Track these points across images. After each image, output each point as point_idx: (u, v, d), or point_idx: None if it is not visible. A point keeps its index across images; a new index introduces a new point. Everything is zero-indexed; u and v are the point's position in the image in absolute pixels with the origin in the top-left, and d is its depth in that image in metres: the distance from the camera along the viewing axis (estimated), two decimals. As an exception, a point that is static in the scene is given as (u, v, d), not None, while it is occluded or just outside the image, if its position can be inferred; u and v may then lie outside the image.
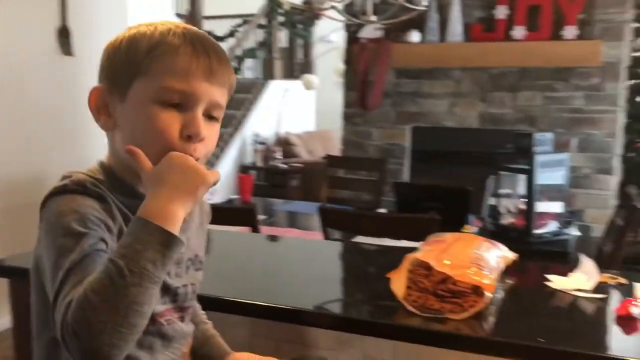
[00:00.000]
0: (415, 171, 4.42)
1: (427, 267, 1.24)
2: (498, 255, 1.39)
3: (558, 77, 4.12)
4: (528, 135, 3.00)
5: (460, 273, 1.19)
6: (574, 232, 3.04)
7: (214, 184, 0.82)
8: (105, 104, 0.87)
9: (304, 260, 1.69)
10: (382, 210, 3.43)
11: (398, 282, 1.23)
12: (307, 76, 6.05)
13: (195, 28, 0.89)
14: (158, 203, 0.77)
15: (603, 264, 1.46)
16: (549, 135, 3.03)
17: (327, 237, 2.17)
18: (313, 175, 5.66)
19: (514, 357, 1.09)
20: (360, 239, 2.39)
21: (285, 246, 1.90)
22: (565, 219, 2.98)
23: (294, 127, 6.31)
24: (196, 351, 1.06)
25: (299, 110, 6.49)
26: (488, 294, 1.18)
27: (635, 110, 4.82)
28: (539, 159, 2.88)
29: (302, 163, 5.86)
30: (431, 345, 1.16)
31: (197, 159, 0.84)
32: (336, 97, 5.05)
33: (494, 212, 3.03)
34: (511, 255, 1.45)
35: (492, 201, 3.10)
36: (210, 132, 0.86)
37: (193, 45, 0.84)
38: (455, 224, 2.67)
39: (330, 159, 4.20)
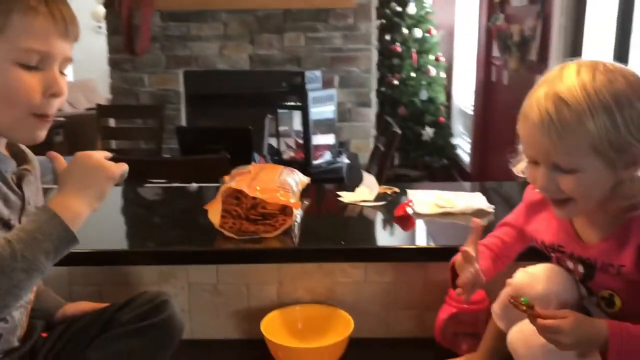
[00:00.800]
0: (192, 116, 4.44)
1: (237, 196, 1.35)
2: (297, 179, 1.55)
3: (318, 18, 4.42)
4: (299, 74, 3.22)
5: (270, 196, 1.32)
6: (344, 160, 3.39)
7: (122, 176, 0.89)
8: None
9: (115, 207, 1.68)
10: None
11: (214, 213, 1.32)
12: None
13: None
14: (67, 200, 0.83)
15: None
16: (317, 73, 3.30)
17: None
18: (79, 128, 5.33)
19: (323, 260, 1.27)
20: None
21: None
22: (337, 150, 3.32)
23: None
24: (33, 306, 1.04)
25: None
26: (295, 212, 1.34)
27: (385, 48, 5.40)
28: (311, 95, 3.14)
29: (64, 117, 5.46)
30: (251, 262, 1.28)
31: (53, 114, 0.88)
32: (96, 44, 4.77)
33: (275, 148, 3.24)
34: (306, 179, 1.63)
35: (272, 139, 3.31)
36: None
37: (47, 4, 0.84)
38: (241, 163, 2.81)
39: (101, 109, 4.00)
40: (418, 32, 5.51)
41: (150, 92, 4.44)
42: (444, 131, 5.72)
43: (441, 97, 5.65)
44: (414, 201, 1.48)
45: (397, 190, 1.63)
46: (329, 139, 3.31)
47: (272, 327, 1.22)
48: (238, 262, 1.28)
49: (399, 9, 5.49)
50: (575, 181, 0.90)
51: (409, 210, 1.43)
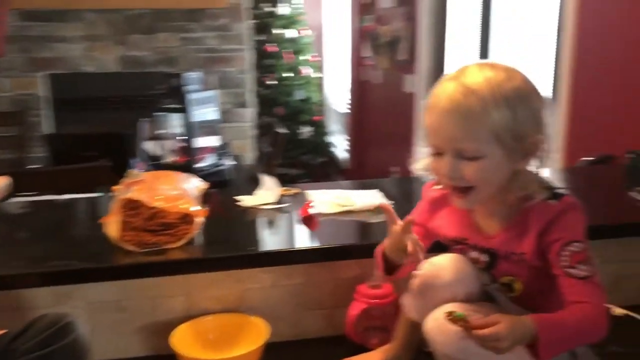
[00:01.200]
0: (60, 122, 4.16)
1: (133, 206, 1.29)
2: (195, 185, 1.51)
3: (192, 18, 4.32)
4: (177, 76, 3.14)
5: (172, 205, 1.27)
6: (229, 162, 3.35)
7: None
8: None
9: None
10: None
11: (112, 225, 1.25)
12: None
13: None
14: None
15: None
16: (197, 75, 3.23)
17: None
18: None
19: (232, 267, 1.25)
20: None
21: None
22: (221, 151, 3.27)
23: None
24: None
25: None
26: (198, 220, 1.30)
27: (260, 49, 5.39)
28: (191, 97, 3.07)
29: None
30: (157, 275, 1.22)
31: None
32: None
33: (154, 152, 3.13)
34: (203, 185, 1.59)
35: (149, 143, 3.19)
36: None
37: None
38: (119, 170, 2.69)
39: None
40: (291, 33, 5.57)
41: (9, 97, 4.10)
42: (321, 130, 5.83)
43: (316, 97, 5.75)
44: (315, 201, 1.49)
45: (297, 191, 1.64)
46: (212, 141, 3.26)
47: (183, 341, 1.18)
48: (142, 276, 1.23)
49: (270, 9, 5.51)
50: (478, 168, 0.96)
51: (312, 211, 1.44)
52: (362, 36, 5.01)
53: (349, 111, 5.57)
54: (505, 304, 1.02)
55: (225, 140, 4.18)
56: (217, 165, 3.17)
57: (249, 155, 4.39)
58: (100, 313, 1.23)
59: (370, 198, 1.52)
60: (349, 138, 5.66)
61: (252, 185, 1.63)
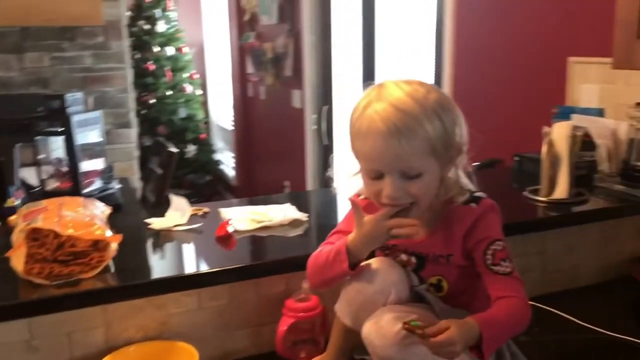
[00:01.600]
0: None
1: (39, 236, 1.20)
2: (101, 210, 1.43)
3: (64, 37, 4.10)
4: (58, 97, 2.95)
5: (86, 232, 1.20)
6: (116, 185, 3.19)
7: None
8: None
9: None
10: None
11: (18, 259, 1.16)
12: None
13: None
14: None
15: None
16: (79, 95, 3.05)
17: None
18: None
19: (153, 293, 1.19)
20: None
21: None
22: (106, 175, 3.11)
23: None
24: None
25: None
26: (112, 246, 1.23)
27: (138, 67, 5.22)
28: (74, 119, 2.89)
29: None
30: (70, 309, 1.14)
31: None
32: None
33: (34, 179, 2.92)
34: (108, 209, 1.51)
35: (27, 169, 2.97)
36: None
37: None
38: (-6, 198, 2.48)
39: None
40: (170, 50, 5.46)
41: None
42: (206, 148, 5.75)
43: (200, 114, 5.67)
44: (232, 219, 1.47)
45: (207, 210, 1.60)
46: (97, 164, 3.10)
47: (107, 375, 1.11)
48: (54, 310, 1.13)
49: (147, 26, 5.37)
50: (421, 184, 1.00)
51: (230, 229, 1.42)
52: (245, 53, 5.01)
53: (234, 128, 5.54)
54: (435, 303, 1.06)
55: (108, 163, 3.99)
56: (105, 190, 3.01)
57: (135, 178, 4.22)
58: (6, 356, 1.12)
59: (286, 212, 1.52)
60: (235, 155, 5.62)
61: (146, 208, 1.59)
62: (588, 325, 1.35)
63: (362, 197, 1.13)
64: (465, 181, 1.08)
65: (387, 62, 3.15)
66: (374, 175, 1.01)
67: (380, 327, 1.00)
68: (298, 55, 4.02)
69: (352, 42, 3.46)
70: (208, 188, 5.68)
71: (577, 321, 1.37)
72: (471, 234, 1.05)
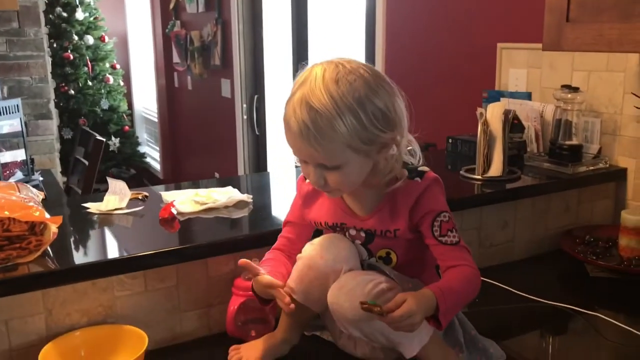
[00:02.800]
0: None
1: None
2: (34, 194, 1.36)
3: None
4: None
5: (24, 214, 1.14)
6: (39, 177, 3.05)
7: None
8: None
9: None
10: None
11: (-52, 243, 1.08)
12: None
13: None
14: None
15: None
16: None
17: None
18: None
19: (93, 277, 1.15)
20: None
21: None
22: (30, 167, 2.96)
23: None
24: None
25: None
26: (53, 228, 1.18)
27: (56, 56, 4.99)
28: (-9, 107, 2.74)
29: None
30: (6, 294, 1.08)
31: None
32: None
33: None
34: (42, 195, 1.44)
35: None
36: None
37: None
38: None
39: None
40: (90, 39, 5.25)
41: None
42: (130, 140, 5.58)
43: (123, 106, 5.49)
44: (175, 202, 1.43)
45: (146, 194, 1.56)
46: (17, 155, 2.95)
47: (51, 362, 1.06)
48: (-8, 297, 1.07)
49: (65, 14, 5.14)
50: (340, 175, 1.02)
51: (174, 211, 1.39)
52: (169, 42, 4.89)
53: (160, 119, 5.40)
54: (390, 271, 1.08)
55: (29, 155, 3.81)
56: (27, 182, 2.87)
57: (57, 171, 4.04)
58: (-59, 347, 1.05)
59: (230, 194, 1.50)
60: (161, 147, 5.49)
61: (72, 199, 1.53)
62: (525, 295, 1.42)
63: (307, 181, 1.14)
64: (408, 158, 1.10)
65: (319, 47, 3.16)
66: (300, 160, 1.05)
67: (348, 290, 1.02)
68: (227, 43, 3.97)
69: (284, 29, 3.45)
70: (133, 182, 5.51)
71: (515, 291, 1.44)
72: (417, 207, 1.07)
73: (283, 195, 1.68)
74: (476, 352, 1.15)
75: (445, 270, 1.06)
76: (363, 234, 1.13)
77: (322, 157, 0.99)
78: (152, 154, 5.82)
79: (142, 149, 5.85)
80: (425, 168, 1.11)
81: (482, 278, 1.46)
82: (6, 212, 1.12)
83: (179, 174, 5.18)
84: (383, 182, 1.08)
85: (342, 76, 0.97)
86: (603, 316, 1.31)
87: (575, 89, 1.73)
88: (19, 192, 1.29)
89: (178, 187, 1.64)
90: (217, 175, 4.33)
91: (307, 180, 1.13)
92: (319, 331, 1.27)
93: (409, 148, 1.10)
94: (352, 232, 1.14)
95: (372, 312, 0.94)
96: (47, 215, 1.18)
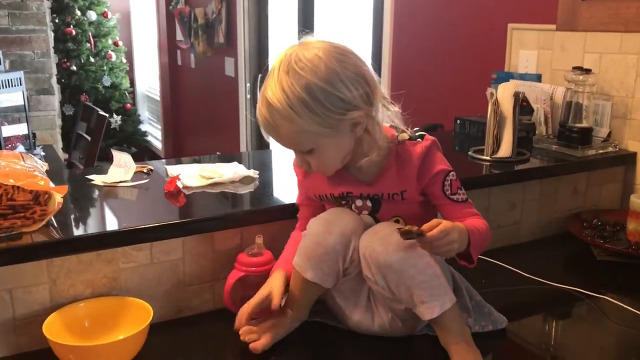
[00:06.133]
0: None
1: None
2: (38, 164, 1.34)
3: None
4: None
5: (28, 182, 1.12)
6: (41, 152, 3.03)
7: None
8: None
9: None
10: None
11: (-48, 210, 1.07)
12: None
13: None
14: None
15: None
16: (-3, 54, 2.86)
17: None
18: None
19: (98, 248, 1.13)
20: None
21: None
22: (32, 141, 2.94)
23: None
24: None
25: None
26: (58, 198, 1.16)
27: (58, 31, 4.93)
28: (-7, 79, 2.71)
29: None
30: (11, 263, 1.07)
31: None
32: None
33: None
34: (46, 165, 1.42)
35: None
36: None
37: None
38: None
39: None
40: (92, 15, 5.20)
41: None
42: (132, 118, 5.55)
43: (125, 83, 5.46)
44: (181, 175, 1.42)
45: (151, 168, 1.54)
46: (19, 129, 2.92)
47: (56, 331, 1.05)
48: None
49: (68, -12, 5.08)
50: (318, 158, 1.05)
51: (180, 185, 1.37)
52: (173, 19, 4.85)
53: (162, 98, 5.37)
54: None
55: (30, 130, 3.78)
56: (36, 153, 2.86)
57: (58, 147, 4.02)
58: (-56, 314, 1.04)
59: (237, 169, 1.49)
60: (163, 126, 5.46)
61: (73, 176, 1.52)
62: (531, 276, 1.41)
63: None
64: (399, 121, 1.11)
65: (326, 28, 3.13)
66: None
67: (383, 236, 1.03)
68: (231, 21, 3.93)
69: (289, 7, 3.41)
70: (135, 159, 5.50)
71: (521, 272, 1.43)
72: (424, 168, 1.09)
73: (287, 173, 1.67)
74: (481, 317, 1.17)
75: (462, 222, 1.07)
76: (369, 203, 1.12)
77: (292, 145, 1.03)
78: (154, 133, 5.80)
79: (144, 127, 5.83)
80: (420, 132, 1.13)
81: (488, 259, 1.47)
82: (11, 180, 1.11)
83: (180, 152, 5.16)
84: (383, 147, 1.08)
85: (293, 67, 0.98)
86: (609, 299, 1.31)
87: (587, 71, 1.70)
88: (24, 161, 1.27)
89: (180, 162, 1.63)
90: (218, 154, 4.32)
91: None
92: (319, 317, 1.24)
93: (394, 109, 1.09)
94: (359, 202, 1.13)
95: (412, 233, 0.94)
96: (52, 185, 1.17)
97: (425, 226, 0.96)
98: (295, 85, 0.97)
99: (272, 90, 0.98)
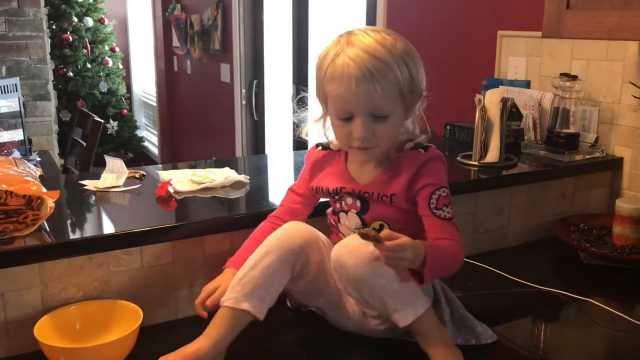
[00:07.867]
0: None
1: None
2: (32, 169, 1.36)
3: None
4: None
5: (21, 187, 1.14)
6: (36, 158, 3.05)
7: None
8: None
9: None
10: None
11: (-55, 215, 1.08)
12: None
13: None
14: None
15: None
16: (-6, 60, 2.88)
17: None
18: None
19: (89, 252, 1.15)
20: None
21: None
22: (28, 147, 2.95)
23: None
24: None
25: None
26: (50, 203, 1.18)
27: (55, 37, 4.96)
28: (-11, 85, 2.73)
29: None
30: (4, 267, 1.09)
31: None
32: None
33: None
34: (39, 171, 1.44)
35: None
36: None
37: None
38: None
39: None
40: (89, 22, 5.23)
41: None
42: (129, 124, 5.57)
43: (122, 89, 5.48)
44: (173, 180, 1.44)
45: (144, 173, 1.56)
46: (16, 134, 2.94)
47: (47, 334, 1.07)
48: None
49: (65, -5, 5.11)
50: (388, 125, 1.06)
51: (171, 190, 1.39)
52: (169, 26, 4.87)
53: (158, 104, 5.39)
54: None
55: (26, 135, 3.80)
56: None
57: (54, 152, 4.04)
58: (-63, 317, 1.06)
59: (227, 174, 1.51)
60: (159, 131, 5.48)
61: (69, 177, 1.53)
62: (518, 280, 1.43)
63: (319, 148, 1.22)
64: (416, 130, 1.15)
65: (320, 35, 3.15)
66: (344, 115, 1.07)
67: (352, 249, 1.03)
68: (227, 28, 3.96)
69: (284, 14, 3.44)
70: (130, 165, 5.51)
71: (508, 276, 1.45)
72: (417, 177, 1.10)
73: (280, 177, 1.69)
74: (464, 331, 1.16)
75: (434, 241, 1.08)
76: (359, 203, 1.15)
77: (379, 100, 1.03)
78: (150, 138, 5.82)
79: (140, 132, 5.85)
80: (430, 145, 1.16)
81: (476, 262, 1.49)
82: (3, 186, 1.13)
83: (176, 158, 5.18)
84: (393, 148, 1.12)
85: (385, 33, 1.06)
86: (595, 302, 1.32)
87: (574, 77, 1.73)
88: (17, 166, 1.29)
89: (175, 167, 1.65)
90: (215, 159, 4.34)
91: (319, 148, 1.22)
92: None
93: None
94: (349, 200, 1.16)
95: (369, 236, 0.96)
96: (44, 190, 1.19)
97: (384, 233, 0.96)
98: (396, 45, 1.04)
99: (370, 46, 1.02)
